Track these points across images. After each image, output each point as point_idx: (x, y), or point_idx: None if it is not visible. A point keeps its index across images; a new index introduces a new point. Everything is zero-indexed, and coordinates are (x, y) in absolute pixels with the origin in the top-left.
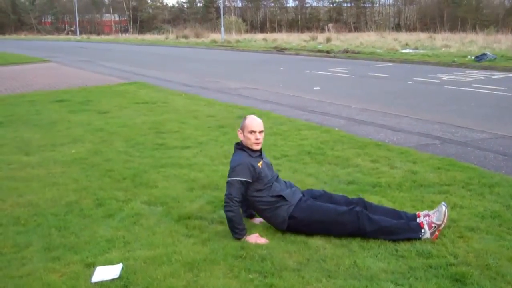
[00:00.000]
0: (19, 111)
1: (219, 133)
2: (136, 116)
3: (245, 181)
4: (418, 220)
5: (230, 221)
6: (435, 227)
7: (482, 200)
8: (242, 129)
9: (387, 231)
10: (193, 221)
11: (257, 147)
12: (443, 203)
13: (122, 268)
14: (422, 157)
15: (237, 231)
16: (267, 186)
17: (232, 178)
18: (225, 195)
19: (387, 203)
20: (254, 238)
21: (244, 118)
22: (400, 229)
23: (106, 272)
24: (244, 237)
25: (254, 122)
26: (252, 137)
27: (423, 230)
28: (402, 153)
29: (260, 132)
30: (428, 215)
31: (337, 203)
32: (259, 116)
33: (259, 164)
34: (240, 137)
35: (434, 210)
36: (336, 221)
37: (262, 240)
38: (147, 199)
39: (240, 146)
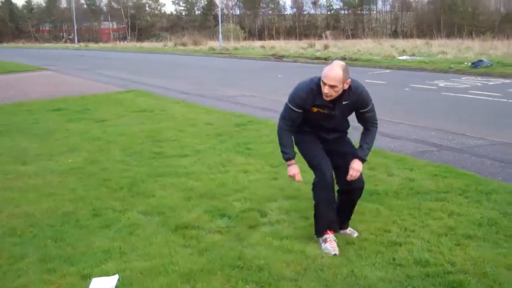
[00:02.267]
0: (16, 120)
1: (217, 141)
2: (133, 125)
3: (295, 110)
4: (328, 236)
5: (279, 139)
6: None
7: (479, 208)
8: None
9: (315, 211)
10: (190, 231)
11: (327, 99)
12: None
13: (118, 280)
14: (419, 164)
15: (281, 149)
16: (310, 124)
17: (287, 102)
18: None
19: (384, 211)
20: (292, 171)
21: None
22: (318, 218)
23: (102, 284)
24: (288, 162)
25: (329, 74)
26: (323, 87)
27: (323, 244)
28: (399, 160)
29: (330, 86)
30: (332, 241)
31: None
32: (256, 124)
33: (313, 108)
34: None
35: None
36: (309, 164)
37: (296, 178)
38: (144, 208)
39: (319, 81)
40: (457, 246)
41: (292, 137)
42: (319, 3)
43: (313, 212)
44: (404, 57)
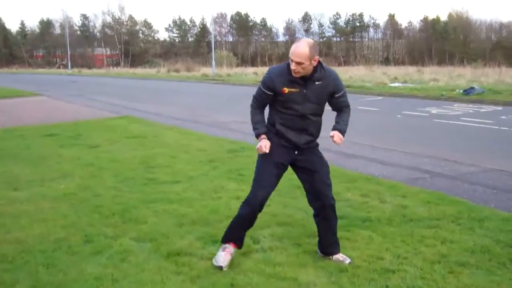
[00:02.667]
0: (9, 146)
1: (209, 167)
2: (126, 151)
3: (266, 92)
4: (228, 246)
5: (251, 117)
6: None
7: (471, 235)
8: None
9: (232, 221)
10: (182, 257)
11: (295, 75)
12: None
13: None
14: (412, 191)
15: (253, 128)
16: (284, 114)
17: (260, 82)
18: None
19: (377, 238)
20: (262, 143)
21: None
22: (230, 228)
23: None
24: (260, 137)
25: (295, 51)
26: (291, 63)
27: (220, 250)
28: (392, 187)
29: (297, 63)
30: (228, 253)
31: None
32: (249, 150)
33: (285, 89)
34: None
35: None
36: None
37: (263, 149)
38: (136, 235)
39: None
40: (450, 274)
41: (264, 116)
42: (311, 30)
43: (305, 239)
44: (396, 84)
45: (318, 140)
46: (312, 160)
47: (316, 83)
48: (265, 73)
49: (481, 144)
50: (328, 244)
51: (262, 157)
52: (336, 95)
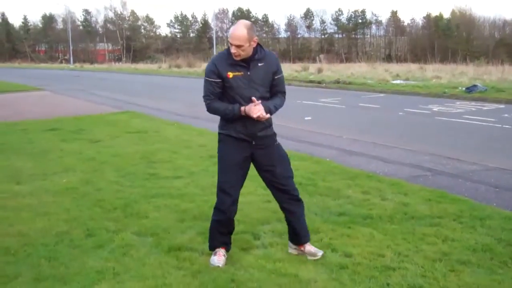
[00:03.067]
0: (11, 140)
1: (210, 163)
2: (127, 146)
3: (213, 80)
4: (218, 250)
5: (217, 111)
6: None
7: (473, 233)
8: None
9: (210, 229)
10: (183, 252)
11: (236, 58)
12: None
13: None
14: (413, 188)
15: (228, 112)
16: (235, 101)
17: (204, 78)
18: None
19: (378, 235)
20: (252, 107)
21: None
22: (211, 236)
23: None
24: (241, 110)
25: (233, 34)
26: (230, 47)
27: (212, 256)
28: (393, 185)
29: (236, 46)
30: (220, 255)
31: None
32: None
33: (229, 73)
34: None
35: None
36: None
37: (258, 112)
38: (138, 229)
39: (228, 47)
40: (451, 272)
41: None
42: (313, 26)
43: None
44: (398, 81)
45: (322, 140)
46: (270, 153)
47: (259, 64)
48: (207, 65)
49: (484, 142)
50: (302, 235)
51: (222, 160)
52: (276, 76)
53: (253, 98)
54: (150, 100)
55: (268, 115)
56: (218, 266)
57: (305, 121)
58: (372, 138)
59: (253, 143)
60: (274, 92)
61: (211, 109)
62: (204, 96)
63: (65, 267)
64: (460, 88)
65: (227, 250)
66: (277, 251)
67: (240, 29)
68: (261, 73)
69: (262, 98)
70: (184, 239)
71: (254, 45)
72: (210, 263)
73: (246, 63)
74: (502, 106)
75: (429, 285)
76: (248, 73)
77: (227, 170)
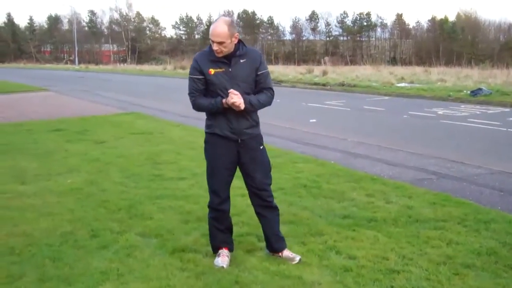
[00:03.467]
0: (16, 140)
1: None
2: (132, 147)
3: (195, 77)
4: (221, 251)
5: (201, 106)
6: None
7: (477, 237)
8: None
9: (209, 231)
10: (187, 254)
11: (218, 55)
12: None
13: None
14: (418, 192)
15: (211, 106)
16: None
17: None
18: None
19: (382, 238)
20: (233, 97)
21: None
22: (211, 237)
23: None
24: (223, 102)
25: (214, 31)
26: (212, 44)
27: (216, 257)
28: (397, 188)
29: (218, 43)
30: (224, 255)
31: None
32: None
33: (211, 70)
34: None
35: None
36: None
37: (237, 100)
38: (142, 230)
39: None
40: (455, 275)
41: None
42: (318, 29)
43: (311, 238)
44: (402, 84)
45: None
46: (253, 157)
47: (241, 60)
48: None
49: (488, 146)
50: (273, 241)
51: (210, 164)
52: (259, 72)
53: (231, 90)
54: (155, 101)
55: (243, 105)
56: (222, 267)
57: (310, 123)
58: (376, 141)
59: (239, 141)
60: (259, 89)
61: (196, 106)
62: (189, 94)
63: (70, 267)
64: (465, 91)
65: (230, 250)
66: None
67: (220, 26)
68: (243, 69)
69: (246, 95)
70: (188, 240)
71: (236, 41)
72: (214, 264)
73: (227, 59)
74: (507, 109)
75: None
76: (230, 69)
77: (215, 173)
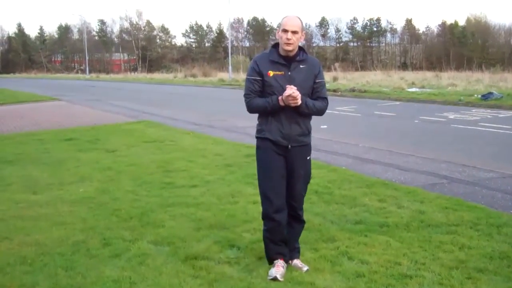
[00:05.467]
0: (28, 150)
1: (226, 172)
2: (144, 155)
3: (253, 78)
4: (276, 262)
5: (257, 106)
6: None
7: (490, 241)
8: (279, 27)
9: (264, 241)
10: (199, 261)
11: (288, 48)
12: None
13: None
14: (430, 196)
15: (268, 104)
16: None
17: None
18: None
19: (394, 243)
20: (288, 91)
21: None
22: (266, 247)
23: None
24: (279, 99)
25: (289, 21)
26: (283, 36)
27: (272, 269)
28: (409, 193)
29: (293, 32)
30: (279, 266)
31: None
32: None
33: (270, 72)
34: (277, 36)
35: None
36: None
37: (292, 92)
38: (154, 238)
39: (272, 46)
40: (468, 280)
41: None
42: (328, 35)
43: (323, 244)
44: (413, 89)
45: (338, 148)
46: (299, 166)
47: (301, 66)
48: (249, 65)
49: (500, 150)
50: (291, 249)
51: (263, 167)
52: (317, 80)
53: (288, 86)
54: (166, 109)
55: (299, 99)
56: (276, 277)
57: (321, 129)
58: (388, 146)
59: (289, 147)
60: (315, 97)
61: (251, 106)
62: (244, 95)
63: (82, 276)
64: (475, 95)
65: (286, 262)
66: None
67: (295, 18)
68: (302, 75)
69: (301, 109)
70: (201, 248)
71: (303, 39)
72: (268, 275)
73: (287, 61)
74: None
75: None
76: (289, 73)
77: (268, 178)
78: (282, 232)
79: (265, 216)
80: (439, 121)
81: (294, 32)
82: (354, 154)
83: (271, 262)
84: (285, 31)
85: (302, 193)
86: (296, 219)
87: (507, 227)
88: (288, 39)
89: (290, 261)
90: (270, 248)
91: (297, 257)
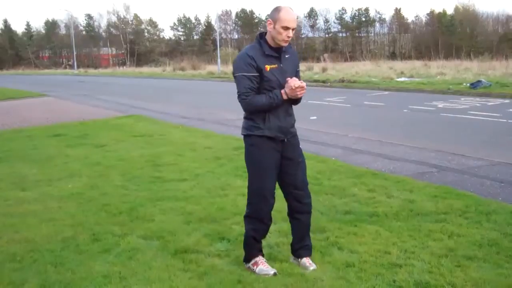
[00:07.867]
0: (16, 146)
1: (216, 165)
2: (133, 149)
3: (251, 75)
4: (257, 259)
5: (259, 104)
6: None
7: (479, 228)
8: (274, 21)
9: (244, 240)
10: (189, 255)
11: (286, 44)
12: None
13: None
14: (419, 185)
15: (272, 100)
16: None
17: (236, 74)
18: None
19: (384, 233)
20: (291, 83)
21: (277, 8)
22: (246, 246)
23: None
24: (282, 93)
25: (290, 16)
26: (284, 33)
27: (255, 267)
28: (398, 182)
29: (293, 29)
30: (263, 262)
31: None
32: None
33: (266, 66)
34: (269, 28)
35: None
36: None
37: (297, 83)
38: (144, 233)
39: (259, 38)
40: (457, 267)
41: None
42: (317, 26)
43: (312, 235)
44: (402, 79)
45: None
46: (297, 154)
47: (286, 56)
48: (237, 60)
49: (489, 138)
50: (300, 246)
51: (260, 166)
52: (298, 69)
53: (288, 78)
54: (155, 103)
55: (305, 87)
56: (275, 273)
57: (310, 120)
58: (377, 136)
59: (285, 140)
60: None
61: (251, 105)
62: (242, 94)
63: (72, 272)
64: (464, 84)
65: (263, 256)
66: (283, 251)
67: (293, 13)
68: (290, 65)
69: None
70: (190, 241)
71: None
72: (262, 274)
73: (278, 53)
74: (507, 101)
75: (435, 281)
76: (281, 65)
77: (267, 176)
78: (267, 230)
79: (255, 217)
80: (428, 110)
81: (294, 29)
82: (343, 145)
83: (249, 259)
84: (287, 28)
85: (305, 180)
86: (300, 211)
87: (496, 215)
88: (289, 36)
89: (299, 259)
90: (253, 246)
91: (307, 255)
